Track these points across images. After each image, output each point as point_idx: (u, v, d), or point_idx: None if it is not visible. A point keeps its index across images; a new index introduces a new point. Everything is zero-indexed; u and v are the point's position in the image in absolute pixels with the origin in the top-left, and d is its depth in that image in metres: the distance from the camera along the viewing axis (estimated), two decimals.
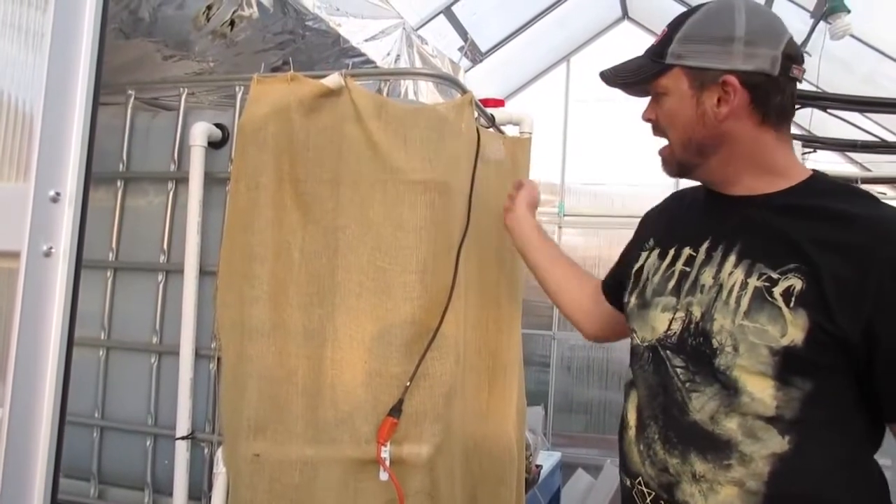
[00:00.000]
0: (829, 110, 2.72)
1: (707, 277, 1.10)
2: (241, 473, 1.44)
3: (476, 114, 1.70)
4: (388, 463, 1.37)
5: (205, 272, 1.58)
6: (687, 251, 1.16)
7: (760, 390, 1.02)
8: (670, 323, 1.13)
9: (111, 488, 1.69)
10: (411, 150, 1.46)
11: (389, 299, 1.45)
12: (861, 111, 3.12)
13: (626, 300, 1.25)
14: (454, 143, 1.52)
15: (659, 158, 1.21)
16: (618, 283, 1.38)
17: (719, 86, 1.09)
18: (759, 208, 1.10)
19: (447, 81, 1.98)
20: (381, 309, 1.44)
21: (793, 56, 1.10)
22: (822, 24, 3.47)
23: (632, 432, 1.18)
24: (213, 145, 1.62)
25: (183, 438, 1.54)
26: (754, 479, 1.02)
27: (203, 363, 1.59)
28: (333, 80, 1.46)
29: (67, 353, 0.63)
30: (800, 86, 1.15)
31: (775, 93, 1.10)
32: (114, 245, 1.70)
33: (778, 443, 1.01)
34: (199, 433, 1.57)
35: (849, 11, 3.42)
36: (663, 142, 1.21)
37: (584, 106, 5.84)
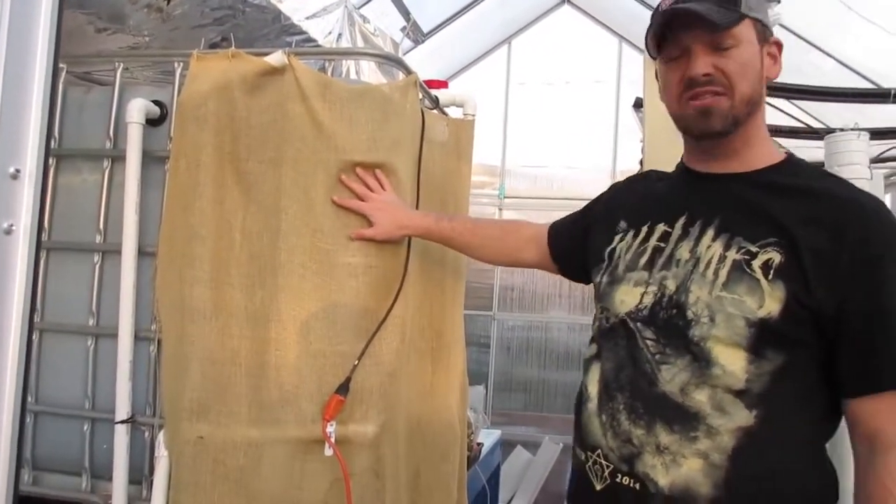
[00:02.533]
0: None
1: (683, 252, 1.11)
2: (184, 456, 1.43)
3: (420, 95, 1.70)
4: (333, 439, 1.38)
5: (143, 252, 1.55)
6: (661, 227, 1.16)
7: (732, 362, 1.02)
8: (641, 297, 1.12)
9: (46, 474, 1.65)
10: (356, 131, 1.46)
11: (333, 280, 1.45)
12: (788, 98, 3.26)
13: (597, 280, 1.24)
14: (399, 123, 1.52)
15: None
16: (566, 236, 1.42)
17: (771, 44, 1.12)
18: (739, 184, 1.12)
19: (393, 62, 1.97)
20: (324, 290, 1.44)
21: None
22: None
23: (592, 404, 1.16)
24: (151, 122, 1.58)
25: (123, 422, 1.51)
26: (718, 453, 1.02)
27: (142, 345, 1.56)
28: (277, 58, 1.44)
29: (29, 329, 0.63)
30: None
31: None
32: (46, 224, 1.64)
33: (744, 416, 1.02)
34: (140, 416, 1.55)
35: (779, 1, 3.53)
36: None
37: (525, 89, 5.89)
